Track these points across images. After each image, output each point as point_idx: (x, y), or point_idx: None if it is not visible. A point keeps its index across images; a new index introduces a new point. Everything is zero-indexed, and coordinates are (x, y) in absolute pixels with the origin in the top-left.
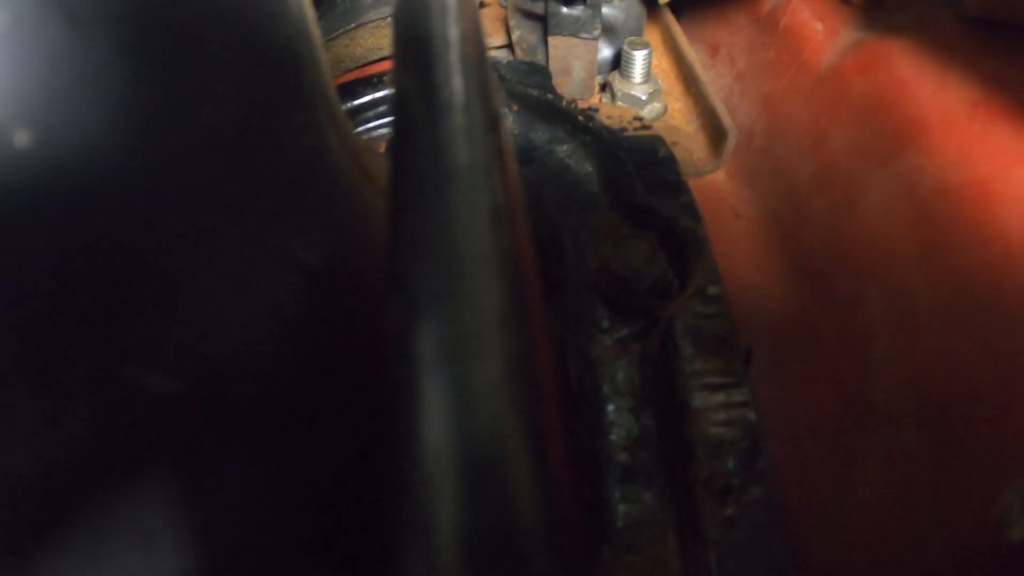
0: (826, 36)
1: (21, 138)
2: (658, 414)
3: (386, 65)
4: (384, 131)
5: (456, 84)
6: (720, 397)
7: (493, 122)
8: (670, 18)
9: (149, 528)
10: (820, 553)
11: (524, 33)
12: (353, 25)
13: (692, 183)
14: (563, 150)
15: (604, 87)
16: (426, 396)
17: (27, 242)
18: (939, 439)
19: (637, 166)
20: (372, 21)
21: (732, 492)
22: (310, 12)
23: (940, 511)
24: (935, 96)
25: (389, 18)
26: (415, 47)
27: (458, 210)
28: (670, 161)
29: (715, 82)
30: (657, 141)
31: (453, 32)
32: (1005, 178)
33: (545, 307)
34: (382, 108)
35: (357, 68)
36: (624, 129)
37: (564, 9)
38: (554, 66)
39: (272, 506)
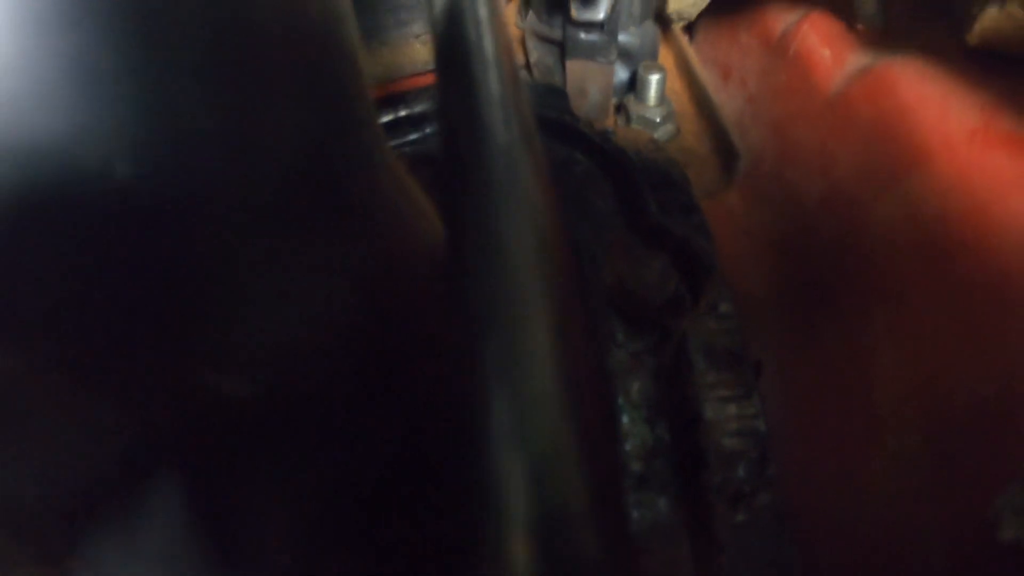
0: (834, 62)
1: (121, 169)
2: (671, 425)
3: (407, 84)
4: (406, 150)
5: (499, 130)
6: (732, 409)
7: (536, 160)
8: (684, 41)
9: (224, 525)
10: (827, 556)
11: (541, 55)
12: (375, 43)
13: (704, 203)
14: (579, 170)
15: (619, 108)
16: (495, 402)
17: (112, 253)
18: (941, 446)
19: (652, 187)
20: (393, 40)
21: (743, 499)
22: (356, 34)
23: (943, 515)
24: (937, 122)
25: (410, 37)
26: (460, 89)
27: (508, 232)
28: (683, 183)
29: (727, 104)
30: (671, 163)
31: (493, 75)
32: (1002, 202)
33: (584, 320)
34: (404, 126)
35: (378, 86)
36: (639, 151)
37: (582, 35)
38: (571, 88)
39: (328, 505)
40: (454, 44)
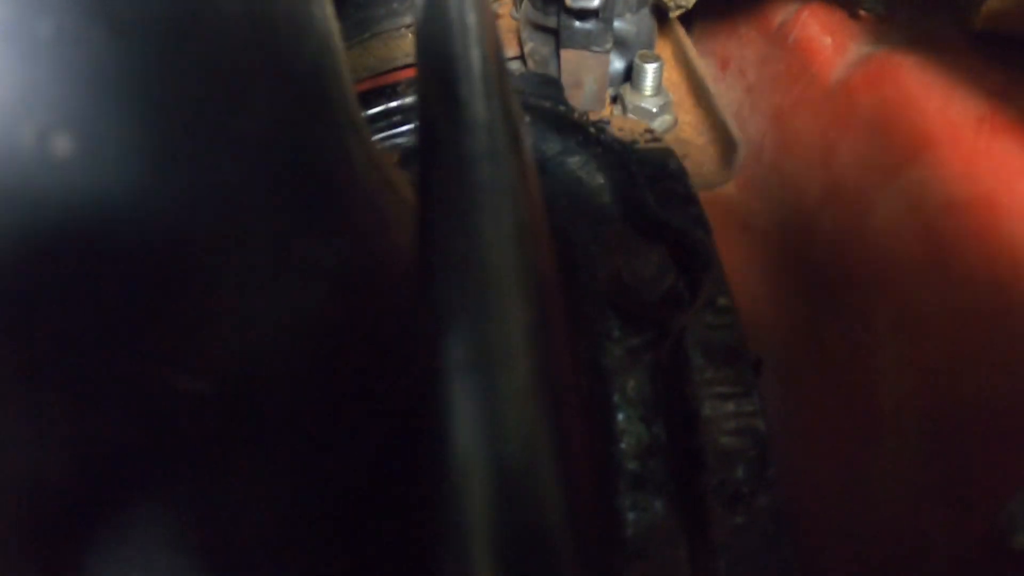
0: (835, 50)
1: (62, 145)
2: (668, 423)
3: (399, 75)
4: (398, 140)
5: (479, 105)
6: (730, 406)
7: (516, 140)
8: (680, 31)
9: (176, 528)
10: (828, 559)
11: (536, 45)
12: (367, 35)
13: (702, 195)
14: (575, 161)
15: (615, 99)
16: (457, 403)
17: (64, 248)
18: (945, 447)
19: (648, 179)
20: (386, 31)
21: (741, 500)
22: (335, 25)
23: (947, 518)
24: (941, 111)
25: (402, 28)
26: (439, 66)
27: (484, 227)
28: (681, 174)
29: (725, 95)
30: (668, 154)
31: (475, 52)
32: (1009, 191)
33: (565, 318)
34: (396, 118)
35: (369, 78)
36: (635, 142)
37: (577, 23)
38: (566, 78)
39: (298, 509)
40: (435, 22)
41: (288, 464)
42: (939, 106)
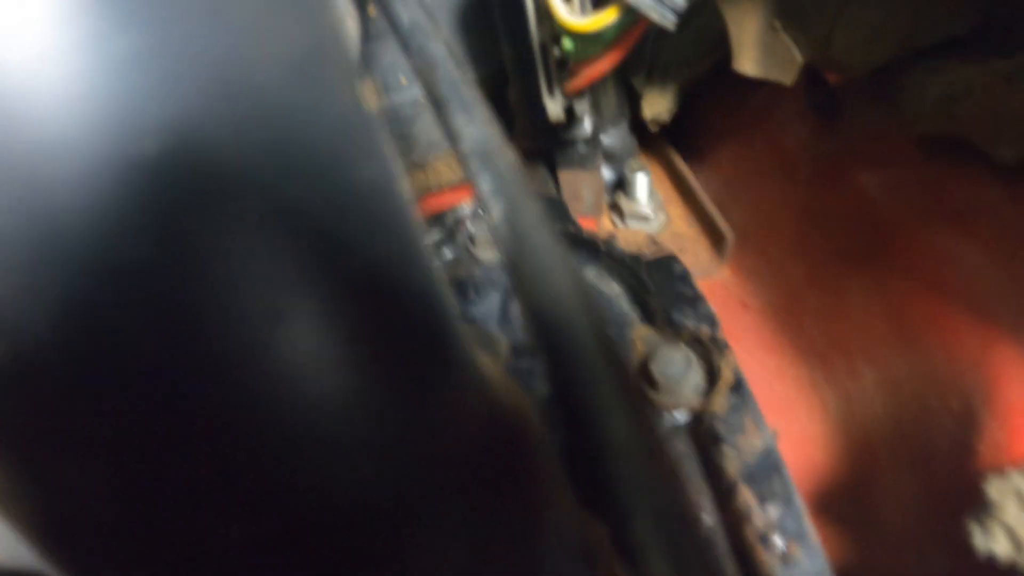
0: (798, 150)
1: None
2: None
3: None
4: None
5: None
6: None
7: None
8: (662, 142)
9: None
10: None
11: (534, 165)
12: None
13: (703, 283)
14: (591, 273)
15: (612, 206)
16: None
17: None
18: (927, 482)
19: (658, 286)
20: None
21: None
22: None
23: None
24: (891, 205)
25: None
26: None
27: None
28: (686, 275)
29: (707, 185)
30: (672, 260)
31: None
32: (949, 279)
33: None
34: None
35: None
36: (641, 252)
37: (570, 148)
38: (566, 194)
39: None
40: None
41: None
42: (889, 201)
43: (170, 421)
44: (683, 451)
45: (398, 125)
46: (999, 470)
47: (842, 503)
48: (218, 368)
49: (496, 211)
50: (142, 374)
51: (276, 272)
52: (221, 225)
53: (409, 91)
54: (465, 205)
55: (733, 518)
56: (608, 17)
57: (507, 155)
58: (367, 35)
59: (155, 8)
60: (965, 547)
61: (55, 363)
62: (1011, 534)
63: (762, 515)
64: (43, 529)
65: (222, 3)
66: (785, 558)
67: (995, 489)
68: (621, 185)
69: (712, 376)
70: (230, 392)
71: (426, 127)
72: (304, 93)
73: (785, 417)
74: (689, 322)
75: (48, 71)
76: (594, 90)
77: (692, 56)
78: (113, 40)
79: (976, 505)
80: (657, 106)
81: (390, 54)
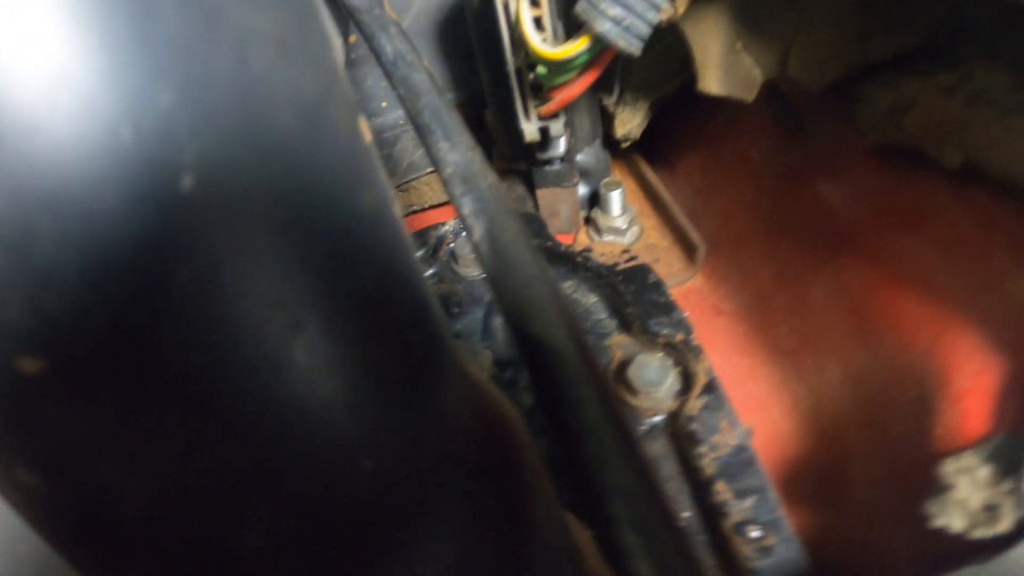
0: (763, 160)
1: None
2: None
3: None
4: None
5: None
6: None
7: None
8: (636, 158)
9: None
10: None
11: (512, 183)
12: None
13: (677, 290)
14: (569, 286)
15: (588, 220)
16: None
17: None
18: (893, 465)
19: (633, 295)
20: (408, 182)
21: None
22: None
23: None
24: (849, 207)
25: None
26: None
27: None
28: (659, 285)
29: (677, 196)
30: (646, 270)
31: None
32: (903, 275)
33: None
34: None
35: None
36: (616, 263)
37: (547, 168)
38: (544, 211)
39: None
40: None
41: None
42: (846, 204)
43: (204, 427)
44: (661, 451)
45: (380, 147)
46: (955, 452)
47: (816, 487)
48: (248, 376)
49: (478, 230)
50: (183, 383)
51: (294, 290)
52: (249, 249)
53: (390, 115)
54: (447, 224)
55: (711, 513)
56: (579, 46)
57: (487, 177)
58: (348, 62)
59: (190, 64)
60: (928, 521)
61: (98, 374)
62: (964, 508)
63: (738, 508)
64: (72, 529)
65: (246, 57)
66: (762, 548)
67: (950, 470)
68: (596, 201)
69: (687, 379)
70: (257, 397)
71: (407, 149)
72: (315, 131)
73: (759, 415)
74: (664, 329)
75: (102, 121)
76: (568, 112)
77: (660, 77)
78: (155, 93)
79: (934, 487)
80: (628, 124)
81: (371, 79)
